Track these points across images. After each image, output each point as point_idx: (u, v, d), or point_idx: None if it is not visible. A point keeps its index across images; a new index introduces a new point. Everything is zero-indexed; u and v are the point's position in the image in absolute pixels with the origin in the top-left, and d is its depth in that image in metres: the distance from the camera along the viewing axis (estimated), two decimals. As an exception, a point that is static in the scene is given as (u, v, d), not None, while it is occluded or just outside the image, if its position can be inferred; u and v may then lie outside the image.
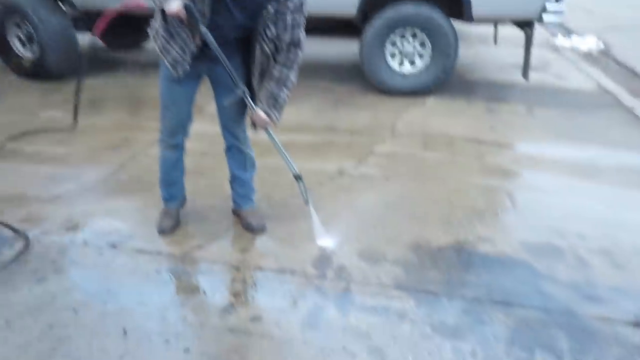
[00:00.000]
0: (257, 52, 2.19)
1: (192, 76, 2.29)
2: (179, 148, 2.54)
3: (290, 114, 4.32)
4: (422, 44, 4.75)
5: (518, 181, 3.31)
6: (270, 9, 2.08)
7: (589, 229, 2.69)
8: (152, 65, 5.86)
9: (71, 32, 5.13)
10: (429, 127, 4.15)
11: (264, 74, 2.26)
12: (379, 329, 1.97)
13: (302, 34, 2.22)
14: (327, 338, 1.93)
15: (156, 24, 2.23)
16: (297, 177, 2.47)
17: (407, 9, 4.61)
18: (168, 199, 2.67)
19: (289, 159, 2.45)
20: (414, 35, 4.73)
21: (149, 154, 3.46)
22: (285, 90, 2.27)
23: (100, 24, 2.18)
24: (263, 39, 2.15)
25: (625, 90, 5.18)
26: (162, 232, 2.59)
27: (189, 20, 2.03)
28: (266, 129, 2.36)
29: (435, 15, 4.60)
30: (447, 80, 4.87)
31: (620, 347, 1.91)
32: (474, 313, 2.07)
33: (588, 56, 6.89)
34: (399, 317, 2.04)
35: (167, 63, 2.20)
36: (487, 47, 7.02)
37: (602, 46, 7.23)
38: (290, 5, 2.11)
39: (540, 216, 2.82)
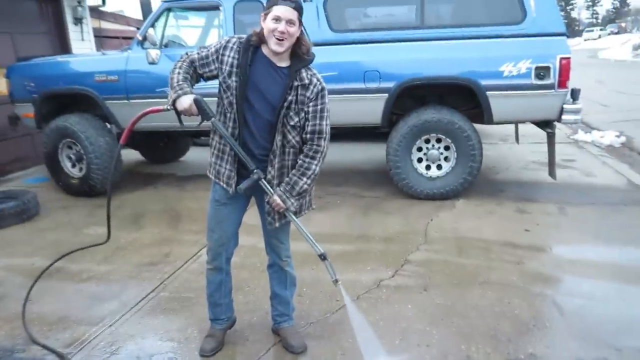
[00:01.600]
0: (279, 140, 2.27)
1: (237, 198, 2.41)
2: (221, 270, 2.57)
3: (323, 222, 4.42)
4: (447, 148, 4.90)
5: (562, 288, 3.23)
6: (290, 97, 2.23)
7: (646, 343, 2.57)
8: (189, 178, 6.14)
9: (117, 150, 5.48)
10: (461, 231, 4.15)
11: (285, 164, 2.33)
12: None
13: (325, 123, 2.29)
14: None
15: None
16: (322, 257, 2.38)
17: (429, 115, 4.80)
18: (212, 319, 2.68)
19: (312, 239, 2.37)
20: (439, 140, 4.89)
21: (189, 269, 3.52)
22: (304, 178, 2.29)
23: (125, 132, 2.40)
24: (285, 127, 2.26)
25: (656, 185, 5.17)
26: (203, 353, 2.58)
27: (200, 113, 2.20)
28: (287, 212, 2.34)
29: (457, 119, 4.77)
30: (474, 181, 4.93)
31: None
32: None
33: (611, 150, 6.97)
34: None
35: (218, 182, 2.37)
36: (509, 145, 7.18)
37: (623, 139, 7.32)
38: (310, 93, 2.24)
39: (592, 328, 2.72)
